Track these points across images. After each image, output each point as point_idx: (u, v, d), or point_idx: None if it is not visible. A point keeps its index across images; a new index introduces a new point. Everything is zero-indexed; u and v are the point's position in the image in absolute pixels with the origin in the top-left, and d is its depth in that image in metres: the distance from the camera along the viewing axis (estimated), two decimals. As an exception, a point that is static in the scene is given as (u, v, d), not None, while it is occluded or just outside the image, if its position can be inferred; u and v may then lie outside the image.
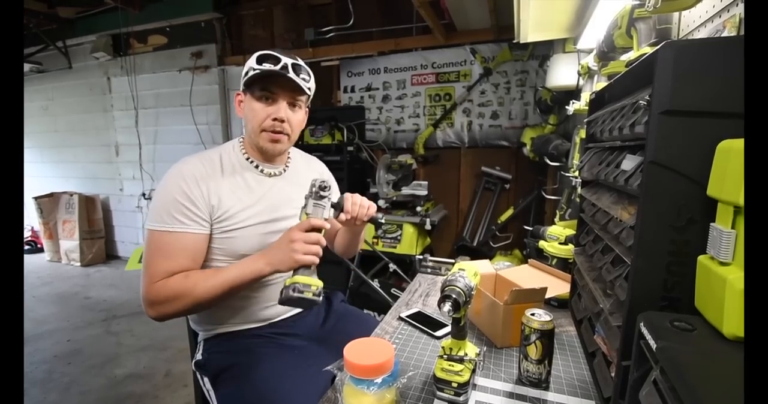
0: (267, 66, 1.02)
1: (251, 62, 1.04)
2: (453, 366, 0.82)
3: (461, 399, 0.81)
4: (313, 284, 0.89)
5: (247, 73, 1.05)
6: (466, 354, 0.83)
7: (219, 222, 1.04)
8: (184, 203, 0.99)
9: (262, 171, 1.14)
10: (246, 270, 0.97)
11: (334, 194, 1.08)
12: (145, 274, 0.98)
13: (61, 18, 4.34)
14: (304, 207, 0.97)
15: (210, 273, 0.99)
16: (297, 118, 1.12)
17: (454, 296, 0.76)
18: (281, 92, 1.06)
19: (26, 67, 4.78)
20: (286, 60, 1.03)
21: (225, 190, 1.05)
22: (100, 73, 4.72)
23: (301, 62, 1.07)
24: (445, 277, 0.83)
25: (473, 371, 0.84)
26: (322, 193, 0.97)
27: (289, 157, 1.23)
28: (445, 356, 0.83)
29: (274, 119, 1.06)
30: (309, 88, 1.09)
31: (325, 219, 0.96)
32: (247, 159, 1.13)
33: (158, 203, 1.01)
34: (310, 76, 1.09)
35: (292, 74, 1.03)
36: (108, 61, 4.53)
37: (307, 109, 1.18)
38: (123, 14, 3.93)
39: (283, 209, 1.13)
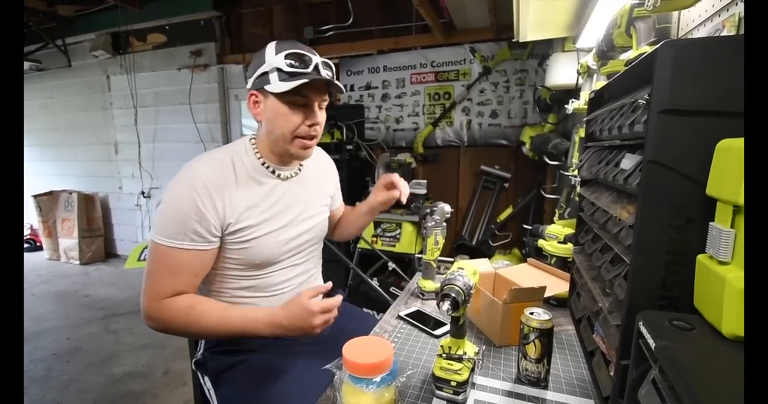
0: (298, 68, 0.95)
1: (276, 61, 0.95)
2: (452, 364, 0.82)
3: (460, 397, 0.81)
4: None
5: (266, 72, 0.96)
6: (465, 353, 0.83)
7: (234, 233, 0.99)
8: (196, 219, 0.93)
9: (278, 175, 1.08)
10: (253, 329, 0.94)
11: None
12: (148, 286, 0.94)
13: (60, 16, 4.33)
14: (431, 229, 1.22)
15: (215, 316, 0.94)
16: (324, 118, 1.06)
17: (453, 295, 0.76)
18: (314, 95, 0.99)
19: (26, 65, 4.77)
20: (315, 59, 0.96)
21: (240, 200, 0.99)
22: (100, 72, 4.71)
23: (325, 59, 1.00)
24: (444, 276, 0.83)
25: (472, 370, 0.84)
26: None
27: None
28: (444, 355, 0.83)
29: (310, 124, 1.00)
30: (342, 88, 1.04)
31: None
32: (263, 163, 1.05)
33: (169, 216, 0.93)
34: (333, 71, 1.03)
35: (326, 74, 0.97)
36: (107, 59, 4.52)
37: None
38: (122, 12, 3.92)
39: (297, 212, 1.10)
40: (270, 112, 1.00)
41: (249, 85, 1.02)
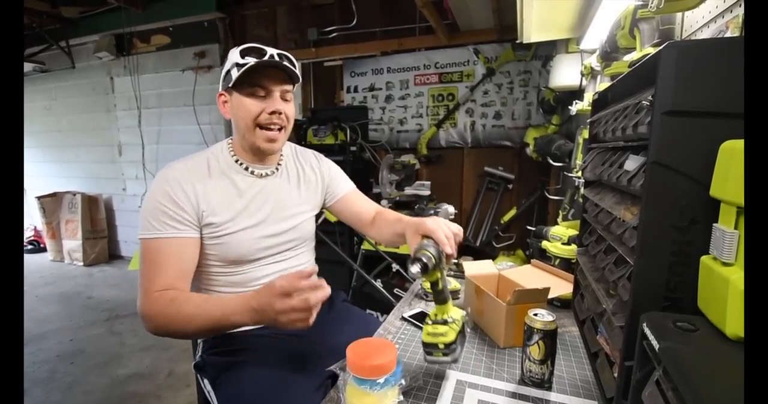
0: (253, 59, 0.98)
1: (234, 57, 1.00)
2: (437, 328, 0.84)
3: (449, 358, 0.83)
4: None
5: (228, 70, 1.01)
6: (450, 317, 0.86)
7: (208, 227, 1.02)
8: (169, 207, 0.98)
9: (252, 172, 1.11)
10: (230, 314, 0.85)
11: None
12: (140, 287, 0.99)
13: (64, 18, 4.35)
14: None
15: (194, 304, 0.90)
16: (291, 109, 1.08)
17: (423, 260, 0.78)
18: (272, 85, 1.02)
19: (29, 66, 4.80)
20: (270, 50, 1.01)
21: (213, 195, 1.03)
22: (103, 73, 4.73)
23: (282, 51, 1.04)
24: (418, 244, 0.84)
25: (461, 331, 0.86)
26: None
27: (281, 155, 1.19)
28: (431, 322, 0.86)
29: (271, 112, 1.03)
30: (300, 76, 1.06)
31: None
32: (236, 161, 1.10)
33: (146, 211, 1.00)
34: (295, 64, 1.06)
35: (283, 63, 1.01)
36: (111, 60, 4.54)
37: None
38: (126, 14, 3.94)
39: (275, 210, 1.12)
40: (234, 107, 1.05)
41: (220, 89, 1.08)
